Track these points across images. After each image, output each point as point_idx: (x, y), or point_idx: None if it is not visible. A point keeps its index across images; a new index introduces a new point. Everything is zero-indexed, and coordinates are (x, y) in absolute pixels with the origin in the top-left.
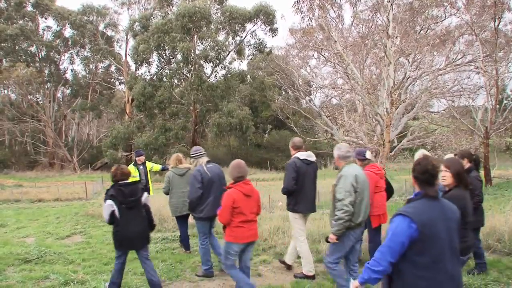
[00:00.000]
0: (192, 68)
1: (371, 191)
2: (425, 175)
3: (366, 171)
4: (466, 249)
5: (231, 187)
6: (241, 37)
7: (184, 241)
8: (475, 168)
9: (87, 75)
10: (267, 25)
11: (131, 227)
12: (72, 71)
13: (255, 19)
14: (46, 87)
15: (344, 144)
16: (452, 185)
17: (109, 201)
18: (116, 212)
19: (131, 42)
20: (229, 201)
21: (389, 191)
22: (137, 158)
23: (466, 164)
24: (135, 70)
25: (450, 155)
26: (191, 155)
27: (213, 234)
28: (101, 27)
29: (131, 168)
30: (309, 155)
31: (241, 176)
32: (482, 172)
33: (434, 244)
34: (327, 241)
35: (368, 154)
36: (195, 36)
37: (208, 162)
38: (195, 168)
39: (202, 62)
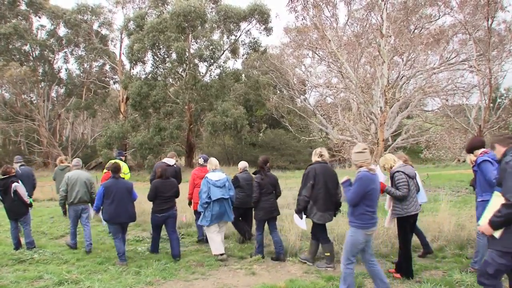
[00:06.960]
0: (186, 68)
1: (190, 185)
2: (112, 167)
3: (193, 171)
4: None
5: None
6: (236, 36)
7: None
8: (259, 172)
9: (81, 74)
10: (261, 24)
11: (5, 204)
12: (66, 70)
13: (250, 18)
14: (40, 86)
15: (77, 159)
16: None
17: None
18: None
19: (126, 41)
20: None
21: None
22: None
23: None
24: (130, 69)
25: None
26: (14, 161)
27: None
28: (95, 26)
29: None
30: (168, 160)
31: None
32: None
33: (112, 195)
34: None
35: (200, 160)
36: (190, 35)
37: (21, 165)
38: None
39: (196, 61)
